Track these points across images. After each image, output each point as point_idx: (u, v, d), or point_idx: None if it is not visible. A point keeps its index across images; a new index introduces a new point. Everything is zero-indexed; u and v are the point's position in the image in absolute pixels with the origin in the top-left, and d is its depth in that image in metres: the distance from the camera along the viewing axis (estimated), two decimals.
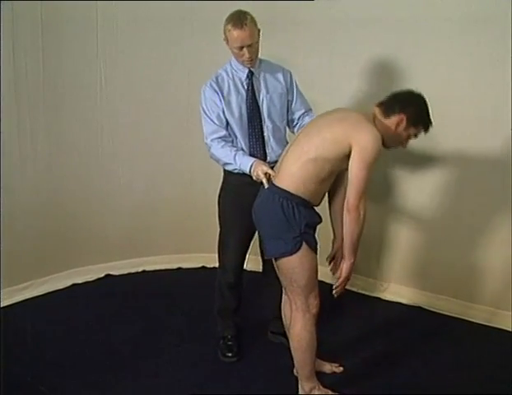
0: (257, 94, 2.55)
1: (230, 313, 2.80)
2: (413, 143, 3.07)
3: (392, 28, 3.03)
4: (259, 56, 2.54)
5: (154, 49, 3.43)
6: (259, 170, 2.30)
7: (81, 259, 3.53)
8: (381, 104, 2.20)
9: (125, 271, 3.65)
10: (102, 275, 3.58)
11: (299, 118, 2.69)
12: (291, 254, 2.13)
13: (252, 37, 2.40)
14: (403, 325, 3.06)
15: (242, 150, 2.52)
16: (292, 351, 2.32)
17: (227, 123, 2.53)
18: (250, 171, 2.38)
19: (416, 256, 3.26)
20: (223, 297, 2.77)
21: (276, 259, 2.22)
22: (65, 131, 3.34)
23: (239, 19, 2.39)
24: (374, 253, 3.41)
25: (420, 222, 3.22)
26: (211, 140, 2.51)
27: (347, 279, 2.18)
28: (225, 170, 2.62)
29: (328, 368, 2.58)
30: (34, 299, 3.27)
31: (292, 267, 2.15)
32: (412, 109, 2.16)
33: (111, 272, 3.61)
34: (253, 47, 2.43)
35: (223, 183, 2.68)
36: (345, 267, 2.16)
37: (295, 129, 2.70)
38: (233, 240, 2.66)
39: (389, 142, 2.19)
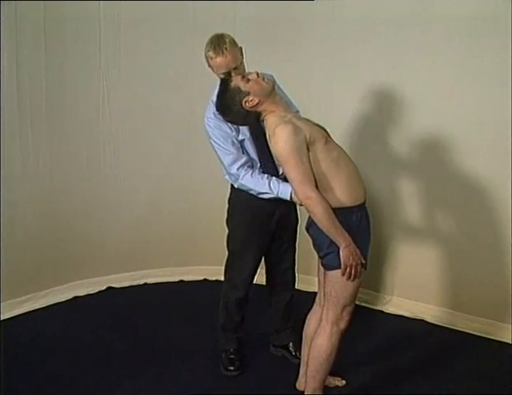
0: None
1: (233, 327, 2.78)
2: (416, 154, 3.12)
3: (391, 42, 3.06)
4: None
5: (156, 59, 3.44)
6: None
7: (82, 272, 3.52)
8: (254, 123, 2.24)
9: (127, 284, 3.64)
10: (104, 287, 3.57)
11: None
12: (340, 267, 2.11)
13: (235, 59, 2.35)
14: (406, 338, 3.04)
15: (266, 172, 2.48)
16: (309, 360, 2.29)
17: (241, 146, 2.49)
18: (291, 198, 2.35)
19: (419, 269, 3.25)
20: (228, 312, 2.75)
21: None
22: (67, 143, 3.35)
23: (219, 45, 2.33)
24: (376, 266, 3.39)
25: (422, 235, 3.22)
26: (237, 169, 2.45)
27: (349, 265, 2.08)
28: (233, 187, 2.59)
29: (331, 381, 2.55)
30: (35, 311, 3.26)
31: (338, 277, 2.13)
32: (232, 106, 2.14)
33: (113, 285, 3.60)
34: (238, 68, 2.37)
35: (232, 199, 2.65)
36: (340, 254, 2.08)
37: None
38: (248, 256, 2.63)
39: (267, 92, 2.12)
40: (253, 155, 2.51)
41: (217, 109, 2.23)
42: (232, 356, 2.75)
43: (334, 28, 3.23)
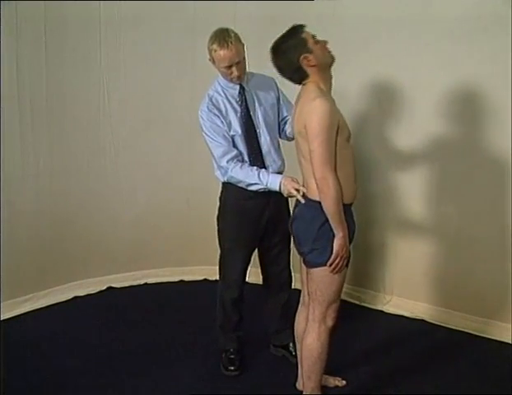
0: (250, 108, 2.53)
1: (232, 326, 2.79)
2: (416, 154, 3.12)
3: (392, 38, 3.06)
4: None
5: (156, 59, 3.44)
6: (291, 188, 2.25)
7: (82, 272, 3.52)
8: (296, 81, 2.15)
9: (127, 284, 3.64)
10: (104, 287, 3.58)
11: (284, 123, 2.68)
12: (326, 264, 2.10)
13: (239, 54, 2.37)
14: (406, 338, 3.04)
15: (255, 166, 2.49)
16: (302, 361, 2.29)
17: (233, 140, 2.51)
18: (280, 189, 2.34)
19: (419, 269, 3.24)
20: (225, 312, 2.75)
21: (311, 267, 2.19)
22: (67, 143, 3.35)
23: (224, 38, 2.35)
24: (376, 265, 3.40)
25: (422, 234, 3.21)
26: (227, 162, 2.45)
27: (339, 256, 2.08)
28: (224, 185, 2.60)
29: (331, 381, 2.56)
30: (35, 311, 3.26)
31: (322, 275, 2.13)
32: (290, 53, 2.06)
33: (113, 285, 3.61)
34: (240, 64, 2.40)
35: (223, 198, 2.65)
36: (334, 242, 2.07)
37: (281, 135, 2.69)
38: (238, 255, 2.64)
39: (326, 63, 2.11)
40: (244, 151, 2.52)
41: (272, 49, 2.12)
42: (232, 356, 2.75)
43: (334, 28, 3.22)
